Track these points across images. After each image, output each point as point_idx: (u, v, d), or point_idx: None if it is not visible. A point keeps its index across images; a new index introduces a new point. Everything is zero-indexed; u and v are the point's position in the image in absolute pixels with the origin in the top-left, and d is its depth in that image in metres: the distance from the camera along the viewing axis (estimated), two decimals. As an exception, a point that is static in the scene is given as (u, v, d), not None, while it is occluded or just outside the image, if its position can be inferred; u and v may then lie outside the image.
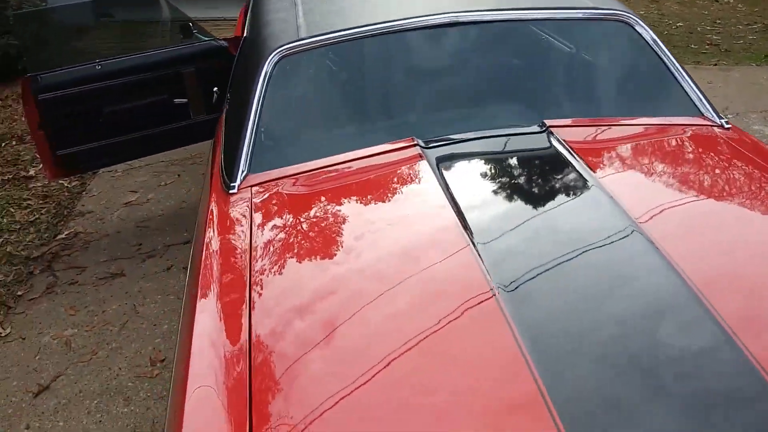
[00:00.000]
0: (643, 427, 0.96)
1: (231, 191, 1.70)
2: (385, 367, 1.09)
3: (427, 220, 1.49)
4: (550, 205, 1.53)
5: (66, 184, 3.91)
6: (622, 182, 1.59)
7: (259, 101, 1.78)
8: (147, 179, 3.94)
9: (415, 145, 1.73)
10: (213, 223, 1.63)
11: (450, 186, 1.55)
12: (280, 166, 1.75)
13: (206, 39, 3.38)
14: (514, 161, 1.73)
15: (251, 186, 1.70)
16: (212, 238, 1.57)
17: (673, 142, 1.81)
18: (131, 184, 3.89)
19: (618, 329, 1.14)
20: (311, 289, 1.33)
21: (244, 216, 1.60)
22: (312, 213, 1.61)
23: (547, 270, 1.28)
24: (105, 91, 3.05)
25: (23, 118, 4.89)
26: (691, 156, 1.75)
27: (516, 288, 1.21)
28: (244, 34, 2.19)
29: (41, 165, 3.63)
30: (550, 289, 1.23)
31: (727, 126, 1.83)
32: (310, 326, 1.23)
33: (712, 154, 1.76)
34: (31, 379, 2.45)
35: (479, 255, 1.29)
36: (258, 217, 1.58)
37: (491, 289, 1.20)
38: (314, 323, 1.23)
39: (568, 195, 1.55)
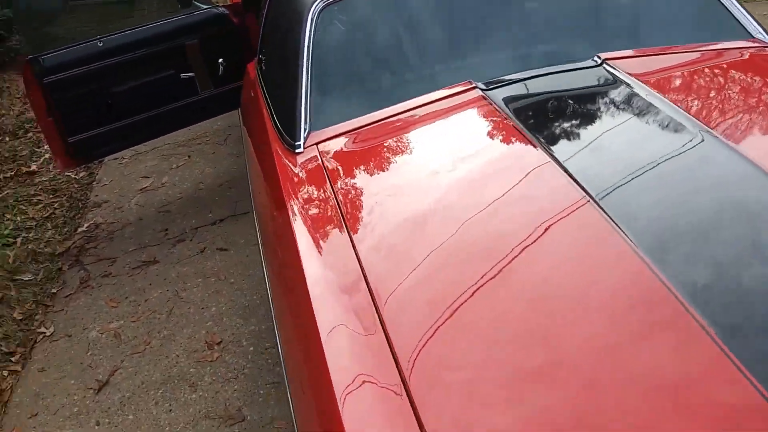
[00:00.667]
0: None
1: (297, 150, 1.65)
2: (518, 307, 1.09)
3: (516, 158, 1.47)
4: (631, 131, 1.51)
5: (74, 176, 3.80)
6: (695, 103, 1.58)
7: (308, 57, 1.72)
8: (156, 163, 3.84)
9: (474, 88, 1.69)
10: (288, 183, 1.58)
11: (525, 124, 1.52)
12: (341, 121, 1.70)
13: (205, 7, 3.25)
14: (582, 95, 1.70)
15: (317, 143, 1.65)
16: (292, 199, 1.52)
17: (734, 64, 1.80)
18: (141, 170, 3.79)
19: (731, 230, 1.15)
20: (422, 243, 1.29)
21: (319, 172, 1.55)
22: (390, 162, 1.58)
23: (648, 183, 1.29)
24: (110, 69, 2.93)
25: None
26: (755, 76, 1.74)
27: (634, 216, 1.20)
28: None
29: (51, 156, 3.51)
30: (655, 200, 1.24)
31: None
32: (437, 288, 1.20)
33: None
34: (88, 375, 2.41)
35: (582, 186, 1.27)
36: (335, 172, 1.54)
37: (602, 211, 1.20)
38: (439, 280, 1.21)
39: (644, 120, 1.53)
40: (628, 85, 1.60)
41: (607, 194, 1.25)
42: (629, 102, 1.60)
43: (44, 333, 2.65)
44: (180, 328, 2.57)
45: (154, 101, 3.12)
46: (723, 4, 1.91)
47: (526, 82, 1.72)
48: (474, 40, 1.92)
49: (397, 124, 1.67)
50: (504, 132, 1.55)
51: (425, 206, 1.40)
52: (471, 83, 1.70)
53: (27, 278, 2.97)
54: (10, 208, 3.53)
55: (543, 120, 1.59)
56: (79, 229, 3.31)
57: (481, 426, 0.93)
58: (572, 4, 2.02)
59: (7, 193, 3.71)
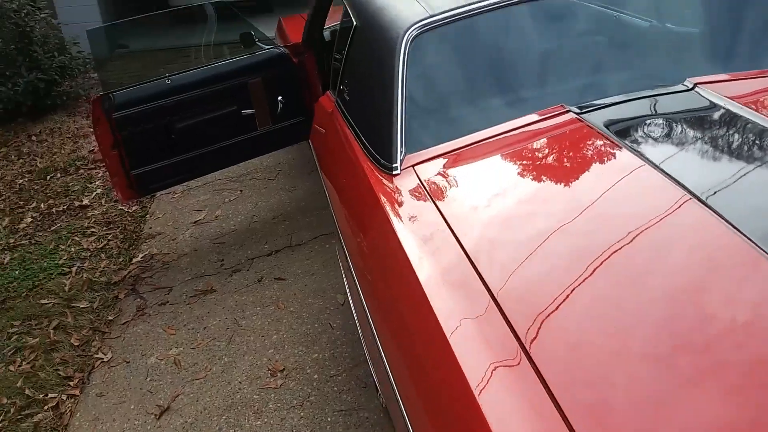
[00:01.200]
0: None
1: (394, 173, 1.63)
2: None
3: (631, 181, 1.42)
4: (733, 146, 1.48)
5: (127, 210, 3.83)
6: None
7: (402, 83, 1.73)
8: (209, 197, 3.86)
9: (567, 112, 1.68)
10: (388, 204, 1.56)
11: (624, 141, 1.50)
12: (435, 144, 1.69)
13: (267, 48, 3.33)
14: (678, 117, 1.68)
15: (413, 165, 1.64)
16: (394, 217, 1.50)
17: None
18: (194, 204, 3.81)
19: None
20: (540, 251, 1.25)
21: (419, 191, 1.54)
22: (490, 179, 1.55)
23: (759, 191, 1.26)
24: (175, 105, 2.99)
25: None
26: None
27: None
28: (355, 23, 2.13)
29: (112, 189, 3.56)
30: None
31: None
32: (561, 289, 1.15)
33: None
34: (148, 401, 2.35)
35: (711, 207, 1.23)
36: (435, 190, 1.52)
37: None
38: (566, 284, 1.16)
39: (745, 136, 1.50)
40: (721, 107, 1.58)
41: (721, 200, 1.22)
42: (727, 122, 1.57)
43: (102, 359, 2.61)
44: (241, 355, 2.51)
45: (215, 137, 3.17)
46: None
47: (619, 105, 1.70)
48: (561, 66, 1.93)
49: (494, 146, 1.65)
50: (605, 149, 1.52)
51: (536, 217, 1.37)
52: (563, 107, 1.69)
53: (83, 305, 2.95)
54: (64, 239, 3.55)
55: (653, 144, 1.55)
56: (134, 260, 3.30)
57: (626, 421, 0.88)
58: (661, 28, 2.03)
59: (60, 225, 3.74)
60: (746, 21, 1.98)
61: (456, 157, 1.64)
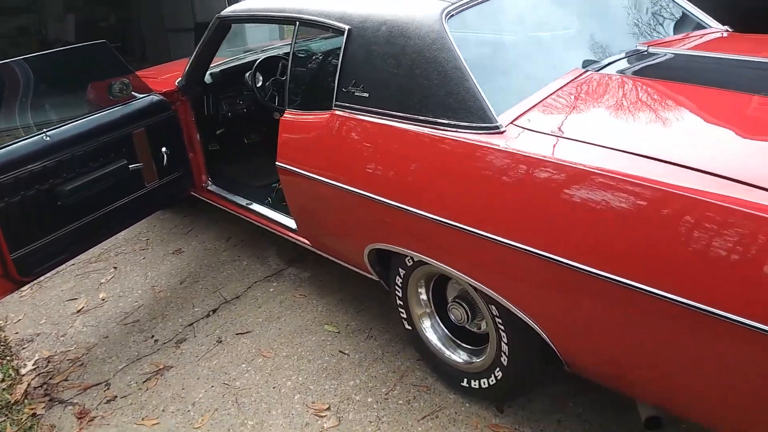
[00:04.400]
0: None
1: (500, 129, 1.68)
2: None
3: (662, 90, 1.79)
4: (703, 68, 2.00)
5: (-38, 323, 2.92)
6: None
7: (459, 54, 1.81)
8: (74, 284, 3.19)
9: (586, 71, 1.97)
10: (505, 158, 1.61)
11: (656, 77, 1.88)
12: (512, 104, 1.78)
13: (142, 96, 3.01)
14: (656, 62, 2.09)
15: (512, 121, 1.71)
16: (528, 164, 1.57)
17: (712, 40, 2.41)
18: (60, 295, 3.10)
19: None
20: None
21: (536, 137, 1.62)
22: (586, 115, 1.74)
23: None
24: (58, 165, 2.49)
25: None
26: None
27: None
28: (347, 28, 2.11)
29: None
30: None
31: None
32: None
33: None
34: (188, 497, 1.86)
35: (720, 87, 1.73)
36: (553, 129, 1.63)
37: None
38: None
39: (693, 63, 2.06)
40: (670, 53, 2.09)
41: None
42: (684, 60, 2.07)
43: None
44: (265, 412, 2.16)
45: (107, 197, 2.71)
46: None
47: (613, 64, 2.05)
48: (571, 39, 2.25)
49: (564, 95, 1.82)
50: (637, 83, 1.87)
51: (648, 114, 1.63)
52: (579, 69, 1.97)
53: (-10, 439, 2.18)
54: None
55: (651, 72, 1.94)
56: (23, 370, 2.55)
57: None
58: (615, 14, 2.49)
59: None
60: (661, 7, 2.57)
61: (539, 108, 1.77)
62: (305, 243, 2.62)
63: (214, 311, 2.81)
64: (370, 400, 2.16)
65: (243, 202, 3.09)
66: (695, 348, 1.35)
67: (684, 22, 2.58)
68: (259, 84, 3.23)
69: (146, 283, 3.11)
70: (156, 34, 9.53)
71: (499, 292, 1.70)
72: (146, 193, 2.92)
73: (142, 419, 2.20)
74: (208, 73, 3.25)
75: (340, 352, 2.43)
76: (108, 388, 2.38)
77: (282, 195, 2.87)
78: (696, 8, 2.60)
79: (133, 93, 3.02)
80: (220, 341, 2.58)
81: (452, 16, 1.94)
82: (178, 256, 3.34)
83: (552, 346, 1.68)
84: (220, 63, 3.50)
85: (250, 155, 3.64)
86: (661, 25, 2.50)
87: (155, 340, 2.64)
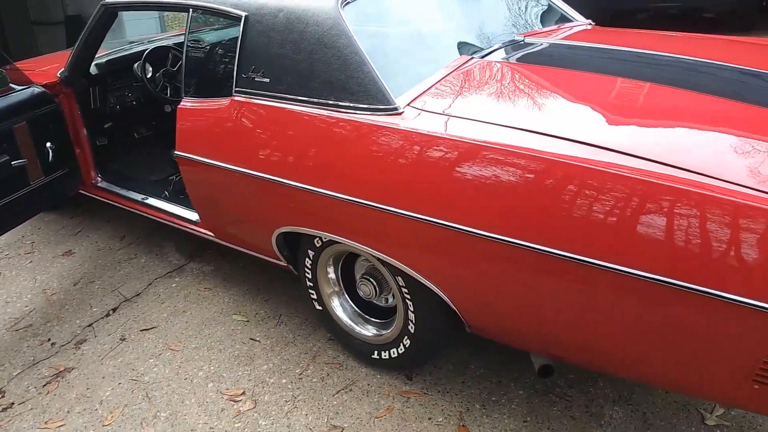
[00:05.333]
0: None
1: (398, 111, 1.79)
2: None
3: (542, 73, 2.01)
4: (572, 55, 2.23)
5: None
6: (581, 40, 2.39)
7: (355, 38, 1.91)
8: (-50, 295, 2.96)
9: (471, 58, 2.15)
10: (403, 138, 1.73)
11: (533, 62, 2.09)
12: (407, 87, 1.90)
13: (22, 88, 2.85)
14: (536, 51, 2.30)
15: (410, 102, 1.83)
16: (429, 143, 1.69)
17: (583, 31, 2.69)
18: (-67, 307, 2.87)
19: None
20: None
21: (432, 117, 1.76)
22: (486, 92, 1.90)
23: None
24: None
25: None
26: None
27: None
28: (245, 15, 2.12)
29: None
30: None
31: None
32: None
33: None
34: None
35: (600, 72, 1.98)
36: (449, 109, 1.78)
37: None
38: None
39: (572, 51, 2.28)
40: (546, 43, 2.33)
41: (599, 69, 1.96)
42: (558, 49, 2.31)
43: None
44: (179, 403, 2.15)
45: None
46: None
47: (497, 51, 2.24)
48: (461, 29, 2.42)
49: (457, 80, 1.97)
50: (516, 68, 2.07)
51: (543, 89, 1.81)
52: (468, 56, 2.14)
53: None
54: None
55: (532, 59, 2.16)
56: None
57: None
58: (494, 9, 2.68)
59: None
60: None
61: (432, 91, 1.90)
62: (208, 234, 2.61)
63: (114, 310, 2.72)
64: (284, 381, 2.21)
65: (138, 197, 3.01)
66: (574, 298, 1.54)
67: (554, 16, 2.84)
68: (149, 75, 3.16)
69: (36, 287, 2.95)
70: (20, 27, 8.82)
71: (404, 263, 1.82)
72: (31, 191, 2.78)
73: (46, 423, 2.11)
74: (93, 64, 3.12)
75: (251, 339, 2.45)
76: (3, 396, 2.26)
77: (180, 187, 2.84)
78: (564, 3, 2.87)
79: (11, 85, 2.85)
80: (124, 339, 2.52)
81: (348, 3, 2.04)
82: (69, 258, 3.19)
83: (454, 308, 1.82)
84: (105, 54, 3.36)
85: (143, 149, 3.53)
86: (535, 18, 2.74)
87: (52, 344, 2.53)
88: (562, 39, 2.46)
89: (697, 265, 1.32)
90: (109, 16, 2.73)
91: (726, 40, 2.52)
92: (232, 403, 2.13)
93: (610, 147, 1.47)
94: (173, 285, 2.88)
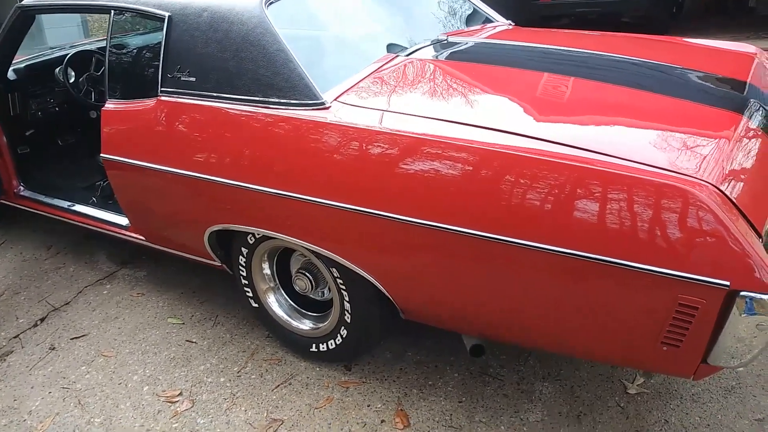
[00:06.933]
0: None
1: (325, 106, 1.84)
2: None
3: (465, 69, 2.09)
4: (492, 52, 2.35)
5: None
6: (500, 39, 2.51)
7: (281, 37, 1.94)
8: None
9: (397, 56, 2.22)
10: (332, 131, 1.78)
11: (455, 59, 2.18)
12: (333, 83, 1.95)
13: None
14: (459, 48, 2.40)
15: (337, 97, 1.88)
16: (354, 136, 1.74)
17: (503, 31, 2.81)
18: None
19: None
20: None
21: (359, 111, 1.81)
22: (410, 88, 1.96)
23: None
24: None
25: None
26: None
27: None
28: (168, 15, 2.12)
29: None
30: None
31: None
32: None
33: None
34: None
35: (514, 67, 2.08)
36: (374, 103, 1.84)
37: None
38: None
39: (492, 49, 2.38)
40: (469, 41, 2.43)
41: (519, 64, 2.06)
42: (480, 47, 2.41)
43: None
44: (113, 408, 2.11)
45: None
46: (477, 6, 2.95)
47: (422, 50, 2.32)
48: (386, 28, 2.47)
49: (382, 76, 2.03)
50: (440, 64, 2.15)
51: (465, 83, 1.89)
52: (392, 54, 2.21)
53: None
54: None
55: (453, 57, 2.24)
56: None
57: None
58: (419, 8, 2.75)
59: None
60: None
61: (359, 87, 1.96)
62: (139, 239, 2.57)
63: (42, 320, 2.63)
64: (222, 380, 2.20)
65: (64, 204, 2.92)
66: (496, 278, 1.62)
67: (477, 17, 2.96)
68: (72, 80, 3.08)
69: (-46, 302, 2.82)
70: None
71: (338, 254, 1.86)
72: None
73: (-29, 440, 2.03)
74: (11, 69, 3.01)
75: (187, 341, 2.43)
76: None
77: (108, 192, 2.78)
78: (485, 5, 2.99)
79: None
80: (54, 348, 2.44)
81: (272, 3, 2.07)
82: (-8, 270, 3.06)
83: (389, 296, 1.87)
84: (25, 59, 3.26)
85: (68, 156, 3.43)
86: (459, 19, 2.85)
87: (-25, 357, 2.42)
88: (484, 38, 2.57)
89: (607, 238, 1.42)
90: (26, 18, 2.66)
91: (634, 37, 2.70)
92: (169, 404, 2.11)
93: (521, 133, 1.57)
94: (104, 292, 2.81)
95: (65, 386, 2.23)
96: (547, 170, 1.47)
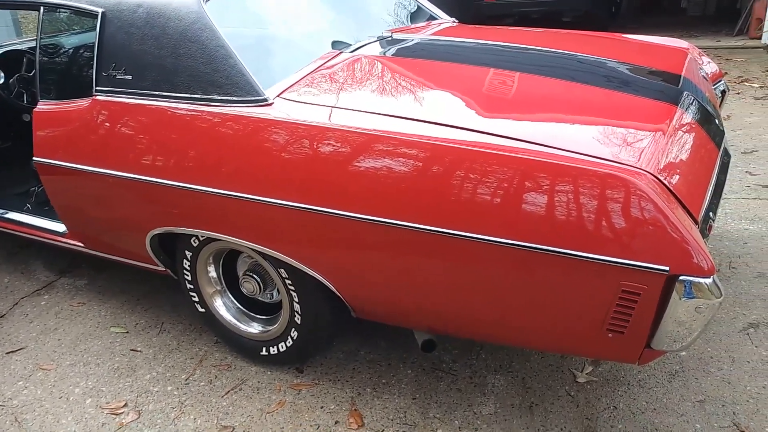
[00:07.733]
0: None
1: (267, 102, 1.80)
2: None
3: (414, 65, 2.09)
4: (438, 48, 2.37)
5: None
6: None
7: (220, 32, 1.89)
8: None
9: (341, 53, 2.20)
10: (275, 127, 1.75)
11: (404, 55, 2.18)
12: (275, 80, 1.92)
13: None
14: (406, 45, 2.39)
15: (280, 93, 1.84)
16: (297, 132, 1.71)
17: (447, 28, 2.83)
18: None
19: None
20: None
21: (305, 108, 1.79)
22: (352, 86, 1.94)
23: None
24: None
25: None
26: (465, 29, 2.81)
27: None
28: (101, 11, 2.03)
29: None
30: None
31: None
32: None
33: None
34: None
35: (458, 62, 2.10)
36: (317, 99, 1.81)
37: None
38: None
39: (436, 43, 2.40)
40: (415, 39, 2.44)
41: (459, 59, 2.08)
42: (424, 44, 2.42)
43: None
44: (55, 421, 2.01)
45: None
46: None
47: (366, 46, 2.31)
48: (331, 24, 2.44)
49: (325, 72, 2.00)
50: (384, 61, 2.14)
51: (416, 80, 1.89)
52: (337, 51, 2.18)
53: None
54: None
55: (404, 53, 2.24)
56: None
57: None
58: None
59: None
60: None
61: (301, 83, 1.93)
62: (78, 246, 2.46)
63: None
64: (169, 388, 2.13)
65: None
66: (443, 272, 1.61)
67: (421, 15, 2.96)
68: (1, 81, 2.93)
69: None
70: None
71: (286, 254, 1.82)
72: None
73: None
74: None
75: (132, 350, 2.34)
76: None
77: (44, 198, 2.66)
78: (430, 3, 3.01)
79: None
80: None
81: None
82: None
83: (339, 295, 1.85)
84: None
85: (1, 161, 3.26)
86: (404, 16, 2.85)
87: None
88: (430, 35, 2.58)
89: (552, 228, 1.43)
90: None
91: (576, 34, 2.75)
92: (114, 416, 2.02)
93: (469, 127, 1.58)
94: (42, 303, 2.69)
95: (1, 403, 2.11)
96: (496, 163, 1.48)
